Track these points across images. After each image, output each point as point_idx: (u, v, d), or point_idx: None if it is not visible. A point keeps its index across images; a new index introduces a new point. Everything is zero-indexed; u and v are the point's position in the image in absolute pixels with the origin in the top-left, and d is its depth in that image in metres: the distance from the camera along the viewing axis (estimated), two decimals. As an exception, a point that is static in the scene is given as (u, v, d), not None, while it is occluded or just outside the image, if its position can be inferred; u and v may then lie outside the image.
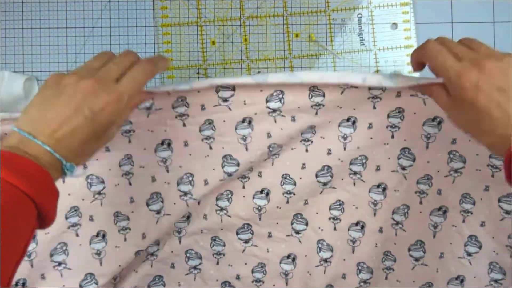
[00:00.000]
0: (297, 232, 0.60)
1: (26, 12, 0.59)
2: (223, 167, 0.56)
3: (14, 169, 0.37)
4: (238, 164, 0.56)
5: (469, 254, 0.59)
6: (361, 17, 0.60)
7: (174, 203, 0.58)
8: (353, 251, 0.61)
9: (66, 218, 0.57)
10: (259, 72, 0.60)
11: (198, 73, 0.60)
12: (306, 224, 0.60)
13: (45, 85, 0.42)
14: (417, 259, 0.60)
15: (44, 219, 0.38)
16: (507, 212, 0.57)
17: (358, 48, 0.61)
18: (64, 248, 0.58)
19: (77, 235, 0.58)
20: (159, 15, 0.59)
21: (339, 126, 0.56)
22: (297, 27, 0.60)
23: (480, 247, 0.58)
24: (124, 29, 0.59)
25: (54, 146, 0.40)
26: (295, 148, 0.57)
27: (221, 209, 0.59)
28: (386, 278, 0.61)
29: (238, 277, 0.61)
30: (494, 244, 0.58)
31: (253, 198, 0.59)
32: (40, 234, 0.56)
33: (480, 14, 0.60)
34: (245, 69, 0.60)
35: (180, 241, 0.60)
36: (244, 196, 0.59)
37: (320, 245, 0.61)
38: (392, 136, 0.56)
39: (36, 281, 0.57)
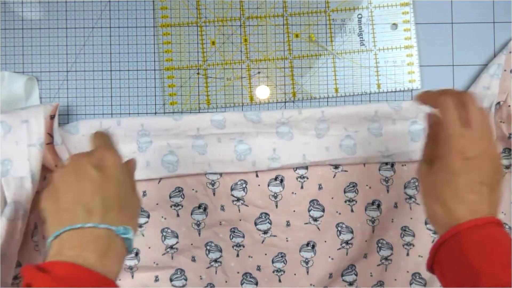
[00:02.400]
0: (315, 220, 0.61)
1: (26, 12, 0.59)
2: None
3: (63, 280, 0.35)
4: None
5: None
6: (361, 17, 0.60)
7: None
8: (373, 231, 0.62)
9: None
10: (259, 72, 0.60)
11: (198, 73, 0.60)
12: (323, 210, 0.61)
13: (43, 198, 0.40)
14: (435, 232, 0.61)
15: None
16: (507, 167, 0.60)
17: (358, 48, 0.61)
18: None
19: None
20: (159, 15, 0.60)
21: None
22: (297, 27, 0.60)
23: None
24: (124, 29, 0.59)
25: (91, 221, 0.37)
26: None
27: (238, 199, 0.60)
28: (407, 254, 0.62)
29: (258, 268, 0.62)
30: (500, 205, 0.59)
31: (268, 185, 0.60)
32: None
33: (480, 14, 0.60)
34: (245, 69, 0.60)
35: (199, 234, 0.61)
36: (259, 185, 0.60)
37: (339, 228, 0.62)
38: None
39: None
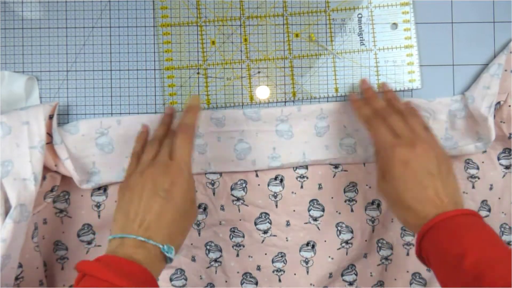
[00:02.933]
0: (315, 219, 0.61)
1: (26, 12, 0.59)
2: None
3: (118, 271, 0.42)
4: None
5: None
6: (361, 17, 0.60)
7: None
8: (373, 231, 0.62)
9: None
10: (259, 72, 0.60)
11: (198, 73, 0.60)
12: (323, 210, 0.61)
13: (119, 194, 0.49)
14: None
15: None
16: (507, 167, 0.61)
17: (358, 48, 0.61)
18: None
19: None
20: (159, 14, 0.59)
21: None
22: (297, 27, 0.60)
23: (489, 210, 0.61)
24: (124, 29, 0.59)
25: (145, 236, 0.45)
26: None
27: (237, 199, 0.60)
28: (407, 254, 0.62)
29: (258, 268, 0.62)
30: (501, 205, 0.61)
31: (268, 185, 0.60)
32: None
33: (480, 14, 0.60)
34: (245, 69, 0.60)
35: (199, 234, 0.61)
36: (259, 185, 0.60)
37: (339, 228, 0.62)
38: None
39: None
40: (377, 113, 0.54)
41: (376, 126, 0.52)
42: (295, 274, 0.62)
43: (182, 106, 0.60)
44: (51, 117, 0.55)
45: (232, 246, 0.61)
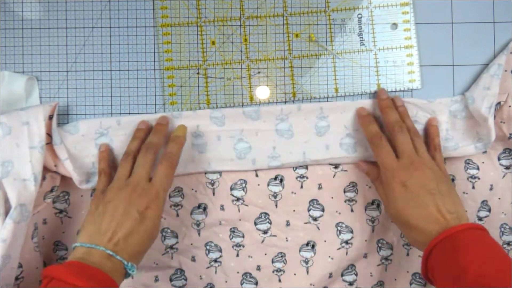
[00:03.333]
0: (315, 219, 0.61)
1: (26, 12, 0.59)
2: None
3: (86, 276, 0.43)
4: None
5: (480, 219, 0.62)
6: (361, 17, 0.60)
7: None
8: (373, 231, 0.62)
9: None
10: (259, 72, 0.60)
11: (198, 73, 0.60)
12: (323, 210, 0.61)
13: (91, 205, 0.51)
14: None
15: None
16: (507, 168, 0.61)
17: (358, 48, 0.61)
18: None
19: None
20: (159, 15, 0.59)
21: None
22: (297, 27, 0.60)
23: (489, 210, 0.61)
24: (124, 29, 0.59)
25: (113, 250, 0.47)
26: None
27: (237, 199, 0.60)
28: (407, 254, 0.62)
29: (258, 268, 0.62)
30: (501, 205, 0.61)
31: (268, 185, 0.60)
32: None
33: (480, 14, 0.60)
34: (245, 69, 0.60)
35: (199, 234, 0.61)
36: (258, 185, 0.60)
37: (339, 228, 0.62)
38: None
39: None
40: (388, 127, 0.56)
41: (380, 147, 0.54)
42: (295, 274, 0.62)
43: (182, 106, 0.60)
44: (50, 117, 0.55)
45: (232, 246, 0.61)
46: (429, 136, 0.58)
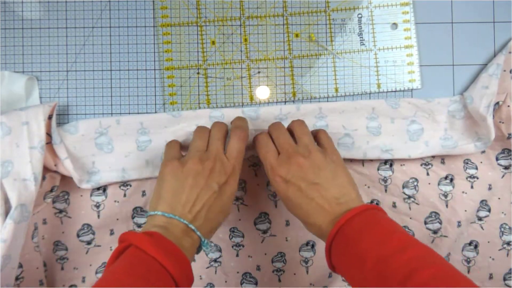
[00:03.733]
0: None
1: (26, 12, 0.59)
2: None
3: (166, 251, 0.42)
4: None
5: (480, 219, 0.62)
6: (361, 17, 0.60)
7: None
8: None
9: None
10: (259, 72, 0.60)
11: (198, 73, 0.60)
12: None
13: (167, 174, 0.48)
14: (435, 232, 0.61)
15: None
16: (506, 168, 0.61)
17: (358, 48, 0.61)
18: None
19: None
20: (159, 15, 0.59)
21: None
22: (297, 27, 0.60)
23: (489, 210, 0.62)
24: (124, 29, 0.59)
25: (194, 225, 0.46)
26: None
27: (237, 199, 0.61)
28: None
29: (258, 268, 0.62)
30: (500, 205, 0.62)
31: (267, 185, 0.60)
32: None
33: (480, 14, 0.60)
34: (245, 69, 0.60)
35: None
36: (258, 184, 0.60)
37: None
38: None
39: None
40: (268, 131, 0.54)
41: (263, 145, 0.52)
42: (294, 274, 0.62)
43: (182, 106, 0.60)
44: (50, 117, 0.55)
45: (232, 246, 0.61)
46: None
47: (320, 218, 0.47)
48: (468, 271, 0.62)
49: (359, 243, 0.43)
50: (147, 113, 0.60)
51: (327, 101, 0.60)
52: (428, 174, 0.61)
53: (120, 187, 0.59)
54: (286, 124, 0.59)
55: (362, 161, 0.61)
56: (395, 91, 0.61)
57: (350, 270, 0.44)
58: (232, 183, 0.49)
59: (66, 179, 0.58)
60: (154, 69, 0.60)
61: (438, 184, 0.61)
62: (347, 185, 0.49)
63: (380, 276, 0.40)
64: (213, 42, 0.60)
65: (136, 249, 0.41)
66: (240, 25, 0.60)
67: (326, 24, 0.60)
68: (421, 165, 0.61)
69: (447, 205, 0.61)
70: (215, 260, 0.62)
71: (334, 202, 0.47)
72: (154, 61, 0.60)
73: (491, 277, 0.62)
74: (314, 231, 0.49)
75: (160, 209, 0.46)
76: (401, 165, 0.61)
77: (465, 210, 0.61)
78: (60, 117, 0.59)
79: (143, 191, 0.59)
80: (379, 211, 0.47)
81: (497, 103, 0.58)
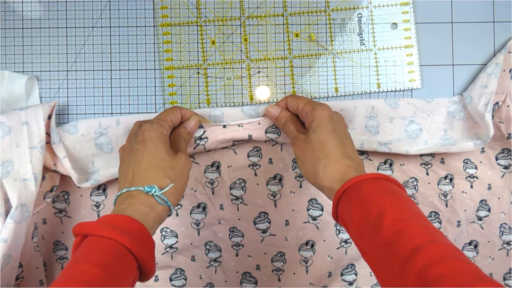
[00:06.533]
0: (314, 219, 0.61)
1: (26, 12, 0.59)
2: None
3: (117, 227, 0.42)
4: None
5: (479, 219, 0.62)
6: (361, 17, 0.60)
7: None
8: None
9: None
10: (259, 72, 0.60)
11: (198, 73, 0.60)
12: (322, 209, 0.61)
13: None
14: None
15: (144, 271, 0.43)
16: (506, 167, 0.61)
17: (358, 48, 0.61)
18: None
19: None
20: (159, 14, 0.59)
21: None
22: (297, 27, 0.60)
23: (489, 210, 0.62)
24: (124, 29, 0.59)
25: (130, 186, 0.47)
26: None
27: (236, 198, 0.60)
28: None
29: (258, 268, 0.62)
30: (500, 205, 0.62)
31: (267, 184, 0.60)
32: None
33: (480, 14, 0.60)
34: (245, 69, 0.60)
35: (198, 233, 0.61)
36: (258, 184, 0.60)
37: (338, 227, 0.62)
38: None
39: None
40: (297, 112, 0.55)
41: (286, 127, 0.53)
42: (294, 273, 0.62)
43: (182, 105, 0.60)
44: (49, 117, 0.55)
45: (232, 246, 0.62)
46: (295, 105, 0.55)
47: (334, 173, 0.47)
48: None
49: (377, 199, 0.42)
50: (147, 112, 0.60)
51: (327, 101, 0.60)
52: (427, 173, 0.61)
53: None
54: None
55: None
56: (395, 91, 0.61)
57: (361, 226, 0.43)
58: (149, 134, 0.49)
59: (66, 179, 0.58)
60: (154, 69, 0.60)
61: (438, 184, 0.61)
62: (354, 150, 0.51)
63: (396, 234, 0.39)
64: (213, 42, 0.60)
65: (92, 237, 0.42)
66: (240, 25, 0.60)
67: (326, 24, 0.60)
68: (421, 164, 0.61)
69: (446, 205, 0.61)
70: (215, 260, 0.62)
71: (354, 156, 0.49)
72: (154, 61, 0.60)
73: (491, 276, 0.62)
74: (327, 176, 0.48)
75: (120, 187, 0.49)
76: (401, 164, 0.61)
77: (465, 210, 0.61)
78: (60, 117, 0.59)
79: None
80: (392, 181, 0.46)
81: (497, 103, 0.58)
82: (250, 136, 0.56)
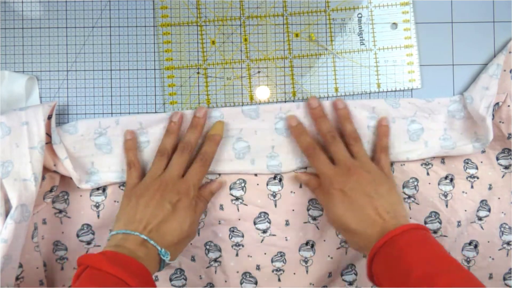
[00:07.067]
0: (314, 219, 0.61)
1: (26, 12, 0.59)
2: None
3: (120, 265, 0.44)
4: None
5: (480, 219, 0.62)
6: (361, 17, 0.60)
7: None
8: None
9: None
10: (259, 72, 0.60)
11: (198, 72, 0.60)
12: (322, 210, 0.61)
13: (124, 199, 0.53)
14: (435, 231, 0.61)
15: None
16: (506, 167, 0.61)
17: (358, 48, 0.61)
18: None
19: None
20: (159, 14, 0.59)
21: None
22: (297, 27, 0.60)
23: (489, 210, 0.62)
24: (124, 29, 0.59)
25: (148, 236, 0.49)
26: None
27: (237, 198, 0.60)
28: None
29: (258, 268, 0.62)
30: (501, 205, 0.62)
31: (267, 184, 0.60)
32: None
33: (480, 14, 0.60)
34: (245, 69, 0.60)
35: (198, 233, 0.61)
36: (258, 184, 0.60)
37: None
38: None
39: None
40: (322, 137, 0.57)
41: (315, 157, 0.55)
42: (294, 273, 0.62)
43: (182, 105, 0.60)
44: (49, 117, 0.55)
45: (232, 246, 0.61)
46: (378, 136, 0.58)
47: (367, 229, 0.50)
48: None
49: (407, 257, 0.44)
50: (147, 112, 0.60)
51: (327, 100, 0.60)
52: (428, 174, 0.61)
53: (119, 187, 0.59)
54: (285, 122, 0.59)
55: None
56: (395, 91, 0.61)
57: (392, 281, 0.45)
58: (185, 200, 0.52)
59: (65, 179, 0.58)
60: (154, 69, 0.60)
61: (438, 184, 0.61)
62: (398, 203, 0.52)
63: None
64: (213, 42, 0.60)
65: (93, 269, 0.44)
66: (240, 25, 0.60)
67: (326, 24, 0.60)
68: (421, 165, 0.61)
69: (447, 205, 0.61)
70: (215, 260, 0.62)
71: (384, 214, 0.50)
72: (154, 61, 0.60)
73: (491, 277, 0.62)
74: (356, 239, 0.51)
75: (116, 228, 0.50)
76: (401, 165, 0.61)
77: (465, 210, 0.61)
78: (60, 117, 0.59)
79: None
80: (428, 232, 0.48)
81: (497, 103, 0.58)
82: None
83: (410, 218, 0.61)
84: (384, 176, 0.54)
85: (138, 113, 0.60)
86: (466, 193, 0.61)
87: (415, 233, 0.47)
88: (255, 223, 0.61)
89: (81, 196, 0.59)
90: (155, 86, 0.60)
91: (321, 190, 0.55)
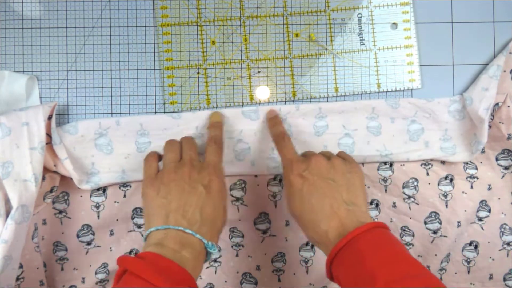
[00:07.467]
0: None
1: (26, 12, 0.59)
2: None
3: (162, 273, 0.40)
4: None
5: (480, 219, 0.62)
6: (361, 17, 0.60)
7: None
8: None
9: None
10: (259, 72, 0.60)
11: (198, 72, 0.60)
12: None
13: (149, 192, 0.48)
14: (435, 232, 0.61)
15: None
16: (506, 168, 0.61)
17: (358, 48, 0.61)
18: None
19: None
20: (159, 14, 0.59)
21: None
22: (297, 27, 0.60)
23: (489, 211, 0.62)
24: (124, 29, 0.59)
25: (190, 228, 0.45)
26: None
27: (237, 199, 0.60)
28: None
29: (258, 268, 0.62)
30: (501, 206, 0.62)
31: (267, 185, 0.60)
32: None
33: (480, 14, 0.60)
34: (245, 69, 0.60)
35: None
36: (258, 185, 0.60)
37: None
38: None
39: None
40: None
41: (284, 143, 0.53)
42: (294, 273, 0.62)
43: (182, 105, 0.60)
44: (50, 117, 0.55)
45: (232, 246, 0.61)
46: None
47: (327, 223, 0.46)
48: (468, 272, 0.62)
49: (369, 259, 0.42)
50: (147, 112, 0.60)
51: (327, 101, 0.60)
52: (428, 174, 0.61)
53: (120, 187, 0.59)
54: (285, 124, 0.59)
55: (362, 162, 0.61)
56: (395, 91, 0.61)
57: (354, 285, 0.42)
58: (216, 180, 0.48)
59: (65, 180, 0.58)
60: (154, 69, 0.60)
61: (438, 184, 0.61)
62: (359, 196, 0.49)
63: None
64: (213, 42, 0.60)
65: (131, 275, 0.40)
66: (240, 25, 0.60)
67: (326, 24, 0.60)
68: (421, 165, 0.61)
69: (447, 205, 0.61)
70: (215, 260, 0.62)
71: (343, 207, 0.47)
72: (154, 61, 0.60)
73: (491, 277, 0.62)
74: (316, 236, 0.47)
75: (154, 225, 0.45)
76: (401, 165, 0.61)
77: (465, 210, 0.61)
78: (60, 117, 0.59)
79: None
80: (388, 230, 0.46)
81: (497, 104, 0.58)
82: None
83: (410, 218, 0.61)
84: (346, 166, 0.50)
85: (138, 113, 0.60)
86: (466, 193, 0.61)
87: (375, 232, 0.44)
88: (255, 224, 0.61)
89: (81, 196, 0.59)
90: (155, 86, 0.60)
91: (284, 177, 0.52)
